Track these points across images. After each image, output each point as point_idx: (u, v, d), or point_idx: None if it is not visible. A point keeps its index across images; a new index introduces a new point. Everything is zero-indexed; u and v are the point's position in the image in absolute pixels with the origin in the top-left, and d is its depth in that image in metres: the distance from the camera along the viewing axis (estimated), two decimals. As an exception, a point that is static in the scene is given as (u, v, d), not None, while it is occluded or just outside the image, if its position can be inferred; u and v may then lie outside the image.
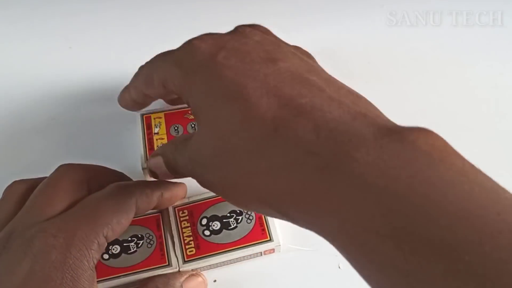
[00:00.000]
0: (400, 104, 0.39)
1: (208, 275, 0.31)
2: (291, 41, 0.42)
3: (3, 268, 0.23)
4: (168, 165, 0.27)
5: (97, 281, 0.27)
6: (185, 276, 0.29)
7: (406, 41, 0.43)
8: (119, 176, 0.30)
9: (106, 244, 0.25)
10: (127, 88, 0.32)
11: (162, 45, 0.43)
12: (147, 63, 0.30)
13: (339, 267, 0.31)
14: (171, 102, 0.35)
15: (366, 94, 0.40)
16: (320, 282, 0.31)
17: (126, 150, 0.34)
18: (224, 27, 0.39)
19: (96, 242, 0.24)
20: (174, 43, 0.43)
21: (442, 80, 0.40)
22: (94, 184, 0.28)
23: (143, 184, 0.28)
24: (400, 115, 0.38)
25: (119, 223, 0.26)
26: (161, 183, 0.29)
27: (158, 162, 0.27)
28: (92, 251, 0.24)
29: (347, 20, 0.44)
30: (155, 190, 0.28)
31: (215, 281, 0.31)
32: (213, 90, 0.23)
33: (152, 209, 0.29)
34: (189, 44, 0.27)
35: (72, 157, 0.35)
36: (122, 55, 0.42)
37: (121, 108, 0.34)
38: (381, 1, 0.45)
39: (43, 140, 0.37)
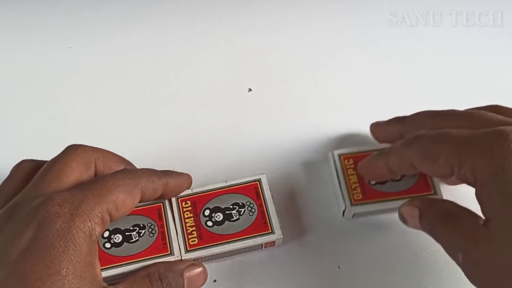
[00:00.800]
0: (400, 104, 0.39)
1: (208, 274, 0.31)
2: (292, 42, 0.42)
3: (8, 235, 0.24)
4: (422, 221, 0.28)
5: (100, 269, 0.27)
6: (187, 264, 0.29)
7: (406, 41, 0.43)
8: (125, 162, 0.31)
9: (109, 222, 0.26)
10: (386, 154, 0.30)
11: (162, 45, 0.43)
12: (430, 135, 0.27)
13: (339, 267, 0.32)
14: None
15: (366, 94, 0.40)
16: (320, 282, 0.31)
17: (126, 150, 0.34)
18: (224, 27, 0.40)
19: (100, 216, 0.25)
20: (174, 43, 0.43)
21: (442, 80, 0.40)
22: (101, 166, 0.29)
23: (150, 171, 0.29)
24: (399, 115, 0.38)
25: (124, 204, 0.26)
26: (168, 172, 0.30)
27: (413, 213, 0.28)
28: (96, 224, 0.25)
29: (347, 20, 0.44)
30: (161, 178, 0.29)
31: (215, 281, 0.31)
32: None
33: (158, 198, 0.30)
34: (500, 132, 0.24)
35: (72, 157, 0.35)
36: (122, 55, 0.42)
37: (127, 109, 0.34)
38: (381, 1, 0.45)
39: (43, 140, 0.37)
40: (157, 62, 0.42)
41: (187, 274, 0.28)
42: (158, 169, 0.30)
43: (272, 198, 0.31)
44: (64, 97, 0.40)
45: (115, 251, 0.29)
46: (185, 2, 0.46)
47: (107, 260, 0.28)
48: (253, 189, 0.31)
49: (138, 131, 0.38)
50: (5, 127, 0.38)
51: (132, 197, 0.27)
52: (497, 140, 0.24)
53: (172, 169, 0.31)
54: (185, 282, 0.28)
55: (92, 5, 0.46)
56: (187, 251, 0.29)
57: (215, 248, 0.29)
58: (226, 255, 0.30)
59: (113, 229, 0.29)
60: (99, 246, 0.28)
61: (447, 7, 0.44)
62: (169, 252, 0.29)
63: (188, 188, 0.31)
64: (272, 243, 0.31)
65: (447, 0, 0.45)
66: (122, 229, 0.29)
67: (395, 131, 0.33)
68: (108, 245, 0.29)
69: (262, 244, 0.30)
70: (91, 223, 0.25)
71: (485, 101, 0.39)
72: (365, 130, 0.37)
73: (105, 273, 0.28)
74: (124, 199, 0.26)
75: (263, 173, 0.32)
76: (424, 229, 0.28)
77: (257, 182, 0.31)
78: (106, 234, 0.29)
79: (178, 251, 0.29)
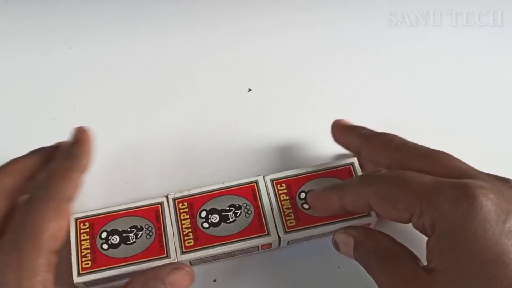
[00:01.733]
0: (400, 104, 0.39)
1: (208, 275, 0.31)
2: (290, 42, 0.42)
3: None
4: (356, 253, 0.27)
5: (96, 271, 0.27)
6: (168, 270, 0.28)
7: (406, 41, 0.43)
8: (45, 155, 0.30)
9: (57, 255, 0.25)
10: (341, 189, 0.28)
11: (162, 45, 0.43)
12: (390, 177, 0.26)
13: (338, 267, 0.31)
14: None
15: (366, 94, 0.40)
16: (320, 282, 0.31)
17: (126, 150, 0.34)
18: (224, 28, 0.39)
19: (45, 263, 0.24)
20: (174, 43, 0.43)
21: (442, 80, 0.40)
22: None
23: (63, 166, 0.28)
24: (400, 115, 0.38)
25: (61, 229, 0.26)
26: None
27: (348, 242, 0.28)
28: (45, 273, 0.24)
29: (347, 20, 0.44)
30: (75, 170, 0.28)
31: (215, 280, 0.31)
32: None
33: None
34: (466, 188, 0.23)
35: (72, 157, 0.35)
36: (122, 56, 0.42)
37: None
38: (381, 1, 0.45)
39: (43, 140, 0.37)
40: (157, 63, 0.42)
41: (168, 280, 0.27)
42: (157, 167, 0.30)
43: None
44: (64, 97, 0.40)
45: (111, 252, 0.28)
46: (186, 3, 0.46)
47: (104, 261, 0.28)
48: (250, 191, 0.31)
49: (137, 131, 0.38)
50: (5, 127, 0.38)
51: (61, 216, 0.26)
52: (462, 195, 0.23)
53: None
54: None
55: (92, 6, 0.46)
56: (182, 252, 0.29)
57: (211, 249, 0.29)
58: (223, 256, 0.30)
59: (111, 230, 0.29)
60: (96, 247, 0.28)
61: (447, 7, 0.44)
62: (165, 255, 0.29)
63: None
64: (269, 245, 0.31)
65: (447, 0, 0.45)
66: (120, 230, 0.29)
67: (355, 143, 0.31)
68: (105, 246, 0.29)
69: (258, 246, 0.30)
70: (40, 277, 0.24)
71: (485, 101, 0.39)
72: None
73: (102, 275, 0.28)
74: (59, 226, 0.26)
75: (261, 175, 0.32)
76: (357, 261, 0.27)
77: (254, 184, 0.31)
78: (104, 235, 0.29)
79: (175, 253, 0.29)
